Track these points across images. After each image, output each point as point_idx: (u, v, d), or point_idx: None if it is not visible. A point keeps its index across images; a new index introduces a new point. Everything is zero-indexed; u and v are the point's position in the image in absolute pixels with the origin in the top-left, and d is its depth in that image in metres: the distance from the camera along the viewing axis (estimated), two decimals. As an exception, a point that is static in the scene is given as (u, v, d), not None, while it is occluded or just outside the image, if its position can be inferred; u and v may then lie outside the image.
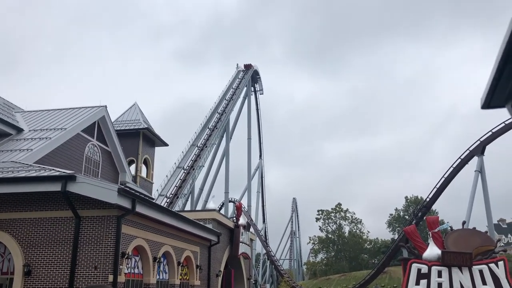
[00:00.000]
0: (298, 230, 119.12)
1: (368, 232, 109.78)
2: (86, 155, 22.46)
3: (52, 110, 24.15)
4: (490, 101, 0.82)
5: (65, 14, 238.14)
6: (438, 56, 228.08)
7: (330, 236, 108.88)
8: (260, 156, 78.18)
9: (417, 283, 16.61)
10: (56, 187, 13.54)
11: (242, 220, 30.13)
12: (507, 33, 0.66)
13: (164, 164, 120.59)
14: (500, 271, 16.27)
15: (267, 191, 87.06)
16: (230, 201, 59.49)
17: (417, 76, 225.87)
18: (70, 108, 23.96)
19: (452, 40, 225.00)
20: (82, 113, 22.95)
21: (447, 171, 49.68)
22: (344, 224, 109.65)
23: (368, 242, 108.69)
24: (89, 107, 23.90)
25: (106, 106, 24.06)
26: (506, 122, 46.55)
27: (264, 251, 71.54)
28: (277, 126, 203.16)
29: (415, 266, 16.83)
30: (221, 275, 26.77)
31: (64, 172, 14.30)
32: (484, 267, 16.36)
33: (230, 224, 28.96)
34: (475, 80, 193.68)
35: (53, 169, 15.16)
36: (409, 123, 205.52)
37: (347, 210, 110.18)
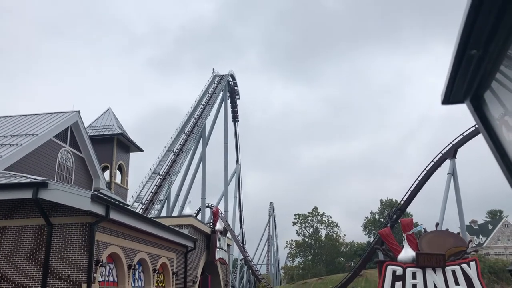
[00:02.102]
0: (275, 234, 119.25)
1: (345, 235, 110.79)
2: (59, 162, 22.01)
3: (23, 115, 23.60)
4: (450, 97, 0.82)
5: (38, 22, 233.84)
6: (410, 63, 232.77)
7: (307, 240, 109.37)
8: (237, 161, 78.05)
9: (393, 285, 16.82)
10: (27, 194, 13.23)
11: (219, 226, 29.98)
12: (461, 27, 0.66)
13: (140, 170, 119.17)
14: (472, 271, 16.62)
15: (244, 196, 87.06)
16: (206, 207, 59.13)
17: (391, 83, 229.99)
18: (42, 114, 23.46)
19: (423, 47, 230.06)
20: (55, 118, 22.49)
21: (421, 174, 50.67)
22: (321, 228, 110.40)
23: (344, 245, 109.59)
24: (61, 112, 23.45)
25: (79, 112, 23.66)
26: (477, 126, 47.71)
27: (242, 256, 71.29)
28: (253, 131, 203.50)
29: (390, 268, 17.05)
30: (198, 282, 26.56)
31: (35, 179, 13.98)
32: (456, 268, 16.69)
33: (207, 230, 28.79)
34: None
35: (24, 176, 14.80)
36: (383, 128, 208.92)
37: (323, 213, 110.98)
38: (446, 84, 0.84)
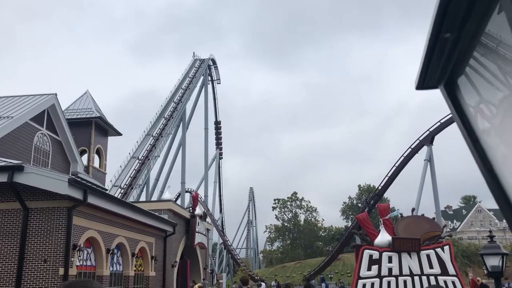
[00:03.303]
0: (255, 219, 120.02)
1: (323, 220, 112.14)
2: (35, 145, 21.62)
3: (-3, 97, 23.03)
4: (424, 82, 0.81)
5: (15, 4, 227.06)
6: (389, 51, 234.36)
7: (286, 224, 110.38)
8: (217, 146, 77.90)
9: (369, 269, 17.14)
10: (2, 178, 12.99)
11: (199, 210, 30.02)
12: (435, 10, 0.66)
13: (118, 155, 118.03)
14: (446, 255, 17.05)
15: (224, 182, 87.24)
16: (186, 192, 59.02)
17: (370, 70, 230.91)
18: (17, 96, 22.93)
19: (402, 34, 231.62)
20: (31, 101, 22.02)
21: (398, 160, 51.46)
22: (300, 213, 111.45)
23: (322, 230, 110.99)
24: (37, 94, 22.97)
25: (56, 94, 23.22)
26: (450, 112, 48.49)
27: (221, 241, 71.68)
28: (234, 117, 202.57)
29: (367, 252, 17.34)
30: (177, 266, 26.63)
31: (10, 162, 13.73)
32: (431, 252, 17.09)
33: (186, 215, 28.80)
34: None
35: (-2, 159, 14.50)
36: (362, 115, 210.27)
37: (302, 198, 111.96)
38: (420, 69, 0.84)
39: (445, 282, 16.60)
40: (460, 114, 0.87)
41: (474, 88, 0.81)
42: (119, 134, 33.97)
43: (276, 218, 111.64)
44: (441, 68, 0.82)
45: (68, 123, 25.00)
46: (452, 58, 0.79)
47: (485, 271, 10.58)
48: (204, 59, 67.24)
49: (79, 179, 14.54)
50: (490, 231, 10.07)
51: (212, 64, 70.98)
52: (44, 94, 22.90)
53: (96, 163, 31.48)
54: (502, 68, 0.71)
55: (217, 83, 74.94)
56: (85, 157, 30.16)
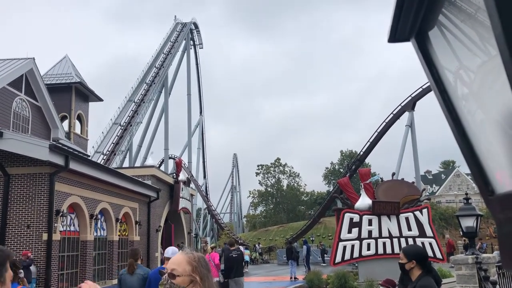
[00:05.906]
0: (239, 184, 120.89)
1: (305, 185, 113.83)
2: (14, 111, 21.20)
3: (-28, 62, 22.34)
4: (396, 35, 0.80)
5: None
6: (372, 17, 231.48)
7: (269, 189, 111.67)
8: (201, 112, 77.32)
9: (349, 232, 17.57)
10: (-20, 144, 12.79)
11: (182, 176, 30.12)
12: None
13: (100, 121, 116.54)
14: (424, 218, 17.52)
15: (208, 148, 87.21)
16: (170, 158, 58.87)
17: (352, 37, 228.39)
18: (-7, 60, 22.28)
19: (383, 1, 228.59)
20: (8, 65, 21.44)
21: (380, 126, 51.90)
22: (283, 178, 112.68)
23: (305, 195, 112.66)
24: (15, 59, 22.37)
25: (34, 58, 22.64)
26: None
27: (205, 206, 72.25)
28: (216, 84, 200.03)
29: (347, 216, 17.73)
30: (161, 230, 26.90)
31: (-11, 128, 13.48)
32: (410, 215, 17.54)
33: (170, 180, 28.89)
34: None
35: (-24, 125, 14.23)
36: (344, 82, 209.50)
37: (285, 164, 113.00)
38: (392, 20, 0.84)
39: (422, 243, 17.13)
40: (430, 67, 0.88)
41: (446, 42, 0.81)
42: (100, 99, 33.47)
43: (259, 183, 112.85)
44: (412, 19, 0.82)
45: (48, 88, 24.50)
46: (422, 7, 0.79)
47: (461, 232, 10.94)
48: (186, 22, 65.75)
49: (60, 145, 14.40)
50: (467, 194, 10.36)
51: (194, 28, 69.49)
52: (22, 59, 22.30)
53: (78, 129, 31.11)
54: (474, 20, 0.70)
55: (200, 48, 73.68)
56: (66, 123, 29.75)
